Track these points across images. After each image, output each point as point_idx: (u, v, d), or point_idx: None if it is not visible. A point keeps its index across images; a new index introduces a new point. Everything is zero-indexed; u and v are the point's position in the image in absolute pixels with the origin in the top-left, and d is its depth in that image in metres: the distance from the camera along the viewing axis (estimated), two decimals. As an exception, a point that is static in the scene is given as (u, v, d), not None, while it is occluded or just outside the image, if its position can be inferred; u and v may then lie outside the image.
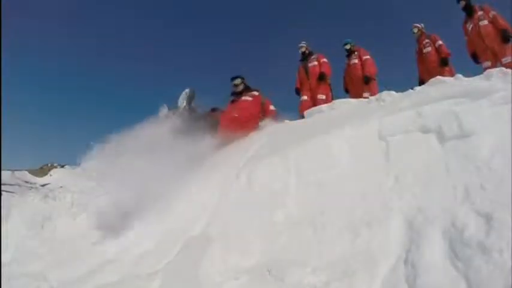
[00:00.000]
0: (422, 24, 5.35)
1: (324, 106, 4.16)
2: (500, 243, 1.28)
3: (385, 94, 3.20)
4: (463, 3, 4.79)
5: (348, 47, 5.47)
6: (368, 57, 5.32)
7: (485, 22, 4.56)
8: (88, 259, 2.04)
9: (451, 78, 2.94)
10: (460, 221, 1.48)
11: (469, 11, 4.76)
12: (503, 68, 2.69)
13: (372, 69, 5.24)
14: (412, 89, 3.09)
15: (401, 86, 3.40)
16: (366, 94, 4.85)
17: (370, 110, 2.92)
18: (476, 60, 4.76)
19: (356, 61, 5.33)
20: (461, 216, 1.50)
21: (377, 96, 3.35)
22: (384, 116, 2.55)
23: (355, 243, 1.66)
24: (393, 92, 3.21)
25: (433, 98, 2.51)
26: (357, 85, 5.27)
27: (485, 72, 2.76)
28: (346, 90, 5.54)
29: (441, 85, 2.75)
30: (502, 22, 4.48)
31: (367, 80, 5.13)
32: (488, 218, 1.41)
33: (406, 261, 1.47)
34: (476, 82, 2.61)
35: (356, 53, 5.40)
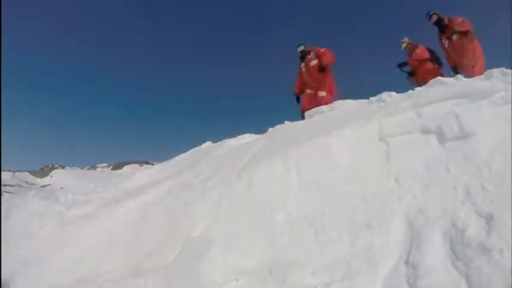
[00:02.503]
0: (407, 38, 5.32)
1: (324, 107, 4.14)
2: (500, 244, 1.29)
3: (385, 95, 3.20)
4: (434, 17, 4.84)
5: (301, 48, 5.24)
6: (324, 49, 5.13)
7: (458, 35, 4.61)
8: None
9: (451, 79, 2.94)
10: (460, 222, 1.48)
11: (440, 25, 4.82)
12: (503, 68, 2.69)
13: (326, 59, 5.01)
14: (412, 89, 3.09)
15: (401, 87, 3.40)
16: (321, 93, 4.87)
17: (370, 111, 2.91)
18: (458, 72, 4.79)
19: (316, 62, 5.09)
20: (461, 217, 1.50)
21: (377, 97, 3.34)
22: (384, 116, 2.55)
23: (355, 244, 1.66)
24: (393, 93, 3.21)
25: (433, 98, 2.51)
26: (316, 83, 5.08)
27: (485, 73, 2.76)
28: (297, 99, 5.27)
29: (441, 86, 2.75)
30: (465, 25, 4.52)
31: (321, 70, 4.96)
32: (488, 219, 1.41)
33: (406, 262, 1.47)
34: (476, 82, 2.61)
35: (312, 53, 5.18)
